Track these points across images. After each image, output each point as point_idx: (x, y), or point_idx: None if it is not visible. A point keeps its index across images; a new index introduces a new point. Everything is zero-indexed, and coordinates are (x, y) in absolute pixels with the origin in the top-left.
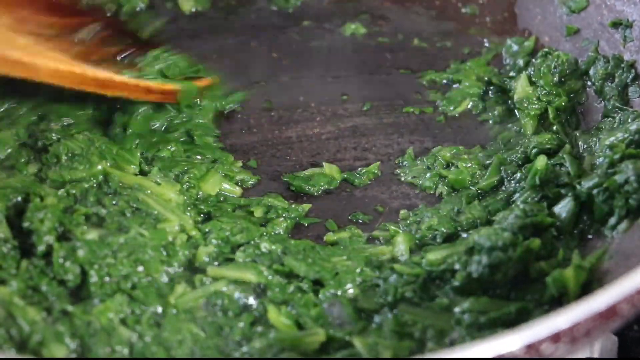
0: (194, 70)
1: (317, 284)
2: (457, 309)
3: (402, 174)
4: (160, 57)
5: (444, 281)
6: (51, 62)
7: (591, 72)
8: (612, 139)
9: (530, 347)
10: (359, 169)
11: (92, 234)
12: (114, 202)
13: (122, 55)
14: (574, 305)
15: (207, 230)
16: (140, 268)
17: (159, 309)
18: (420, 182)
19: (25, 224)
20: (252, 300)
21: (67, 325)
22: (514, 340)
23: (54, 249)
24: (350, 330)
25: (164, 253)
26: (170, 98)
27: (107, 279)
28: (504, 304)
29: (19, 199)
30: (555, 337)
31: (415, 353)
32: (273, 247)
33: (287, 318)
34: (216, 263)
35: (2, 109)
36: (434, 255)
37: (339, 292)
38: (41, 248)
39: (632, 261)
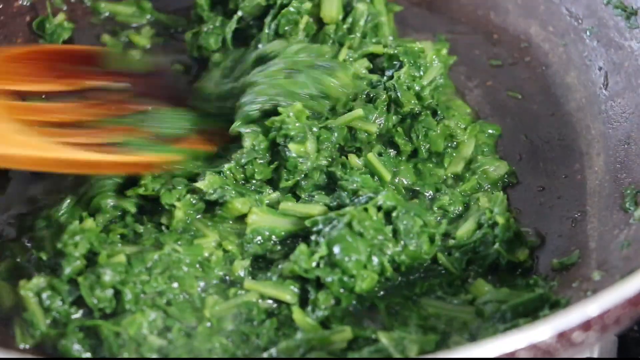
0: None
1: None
2: (478, 300)
3: None
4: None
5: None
6: (26, 150)
7: None
8: None
9: (562, 335)
10: None
11: (121, 256)
12: (153, 219)
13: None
14: (604, 293)
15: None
16: (175, 284)
17: (194, 323)
18: None
19: (59, 245)
20: (274, 305)
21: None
22: (545, 329)
23: (80, 283)
24: (374, 328)
25: (199, 269)
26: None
27: (142, 295)
28: (523, 293)
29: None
30: (586, 325)
31: (441, 346)
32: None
33: (311, 319)
34: (250, 277)
35: None
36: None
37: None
38: (68, 271)
39: None
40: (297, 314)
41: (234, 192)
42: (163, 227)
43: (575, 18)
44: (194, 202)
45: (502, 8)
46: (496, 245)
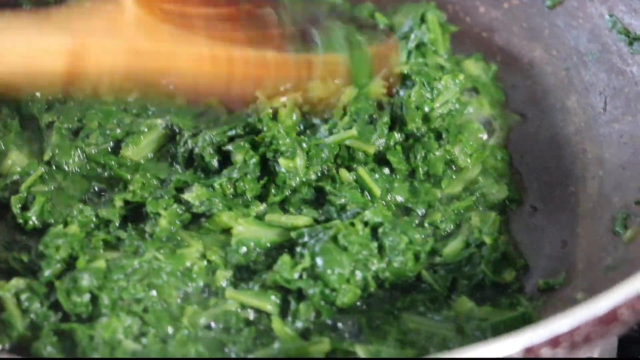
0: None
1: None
2: (460, 317)
3: None
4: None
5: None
6: (189, 49)
7: None
8: None
9: (529, 350)
10: None
11: (101, 261)
12: (138, 226)
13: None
14: (574, 310)
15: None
16: (153, 292)
17: (170, 330)
18: None
19: (40, 247)
20: (253, 315)
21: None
22: (513, 343)
23: (57, 288)
24: (351, 342)
25: (180, 278)
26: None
27: (119, 302)
28: (506, 312)
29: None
30: (555, 342)
31: None
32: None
33: (290, 329)
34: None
35: None
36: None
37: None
38: (47, 273)
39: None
40: (277, 323)
41: (221, 206)
42: (147, 235)
43: (578, 42)
44: (180, 212)
45: (507, 30)
46: (482, 266)
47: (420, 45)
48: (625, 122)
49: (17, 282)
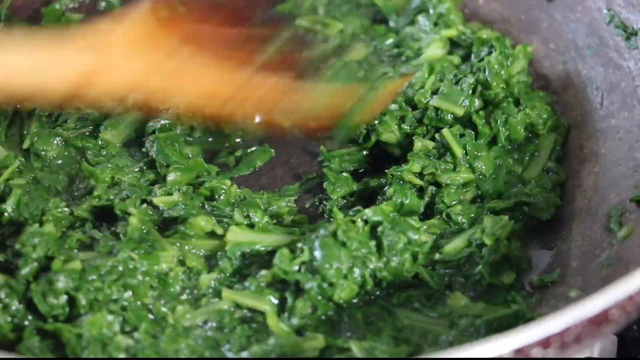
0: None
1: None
2: (453, 314)
3: None
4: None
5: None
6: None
7: None
8: None
9: (519, 351)
10: None
11: (76, 262)
12: (111, 227)
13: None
14: (565, 311)
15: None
16: (129, 293)
17: (154, 328)
18: None
19: (17, 246)
20: (249, 313)
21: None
22: (503, 344)
23: (32, 290)
24: (345, 338)
25: (156, 280)
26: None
27: (95, 303)
28: (499, 309)
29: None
30: (545, 342)
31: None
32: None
33: (286, 325)
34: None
35: None
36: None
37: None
38: (25, 271)
39: (632, 269)
40: (271, 320)
41: (194, 211)
42: (121, 236)
43: (576, 36)
44: (150, 212)
45: (505, 22)
46: (479, 267)
47: (440, 16)
48: (621, 118)
49: None
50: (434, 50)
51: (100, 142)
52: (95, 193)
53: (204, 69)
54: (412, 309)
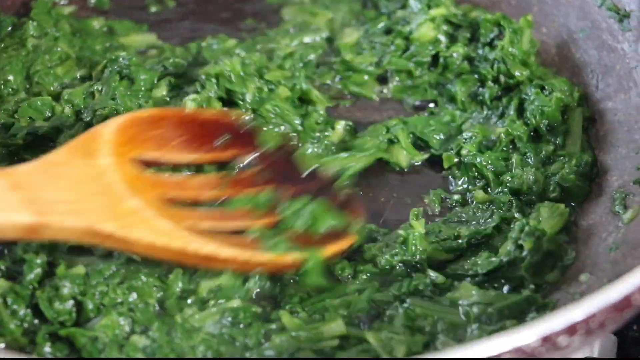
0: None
1: None
2: (465, 302)
3: None
4: (301, 211)
5: None
6: (148, 235)
7: None
8: None
9: (546, 339)
10: None
11: (80, 267)
12: None
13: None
14: (589, 297)
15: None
16: (134, 294)
17: (166, 327)
18: None
19: (19, 252)
20: (261, 309)
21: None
22: (530, 332)
23: (38, 297)
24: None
25: (159, 280)
26: (288, 268)
27: (101, 307)
28: (510, 296)
29: None
30: (572, 329)
31: (428, 347)
32: None
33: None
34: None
35: None
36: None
37: None
38: (31, 277)
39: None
40: (286, 317)
41: None
42: None
43: (568, 20)
44: None
45: (495, 8)
46: (521, 271)
47: None
48: (618, 100)
49: (2, 284)
50: (424, 31)
51: None
52: None
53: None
54: (422, 298)
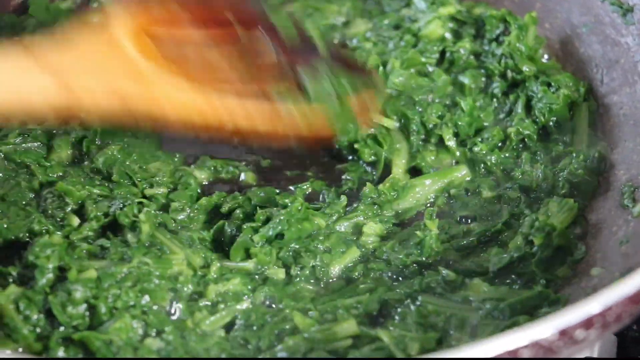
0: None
1: None
2: (476, 298)
3: None
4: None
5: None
6: (172, 92)
7: None
8: None
9: (564, 333)
10: None
11: (92, 271)
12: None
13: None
14: (605, 290)
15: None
16: (147, 297)
17: (179, 329)
18: None
19: (30, 257)
20: (272, 307)
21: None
22: (547, 327)
23: (50, 302)
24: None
25: (171, 283)
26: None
27: (114, 311)
28: (522, 291)
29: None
30: (588, 323)
31: (441, 343)
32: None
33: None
34: None
35: None
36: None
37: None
38: (43, 282)
39: None
40: (298, 318)
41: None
42: (129, 242)
43: (571, 15)
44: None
45: (498, 4)
46: (532, 266)
47: None
48: (623, 94)
49: (14, 289)
50: (433, 28)
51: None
52: (91, 214)
53: (179, 94)
54: (434, 294)
